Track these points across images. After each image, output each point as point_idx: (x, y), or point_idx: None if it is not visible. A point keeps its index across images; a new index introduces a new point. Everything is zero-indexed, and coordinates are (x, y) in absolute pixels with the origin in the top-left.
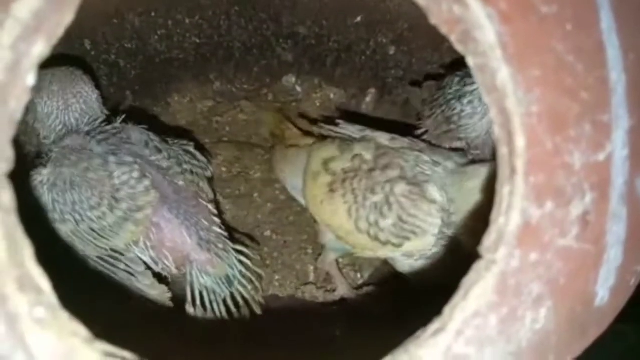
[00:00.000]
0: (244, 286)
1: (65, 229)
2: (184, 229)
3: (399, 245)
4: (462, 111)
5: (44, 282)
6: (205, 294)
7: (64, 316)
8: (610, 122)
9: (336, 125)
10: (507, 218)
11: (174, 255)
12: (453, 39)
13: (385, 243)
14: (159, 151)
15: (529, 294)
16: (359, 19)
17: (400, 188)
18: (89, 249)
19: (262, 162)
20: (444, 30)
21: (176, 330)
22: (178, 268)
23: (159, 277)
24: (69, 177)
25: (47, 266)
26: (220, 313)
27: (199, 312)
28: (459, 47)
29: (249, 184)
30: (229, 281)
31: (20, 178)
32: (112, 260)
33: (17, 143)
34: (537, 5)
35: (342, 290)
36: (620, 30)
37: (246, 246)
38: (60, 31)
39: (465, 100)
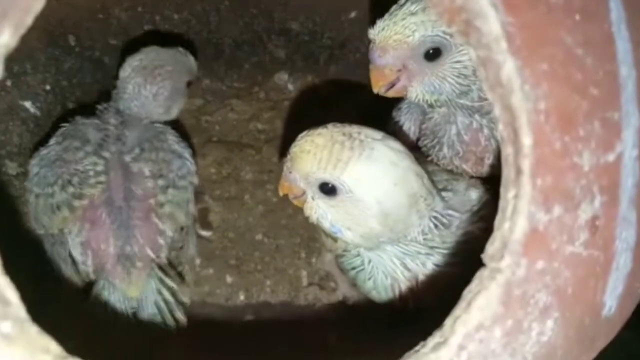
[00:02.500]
0: (155, 322)
1: (29, 200)
2: (111, 237)
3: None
4: None
5: (11, 293)
6: (108, 307)
7: (33, 330)
8: (620, 120)
9: None
10: (513, 224)
11: (95, 258)
12: (454, 29)
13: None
14: (141, 160)
15: (536, 305)
16: (353, 14)
17: None
18: (38, 225)
19: (253, 162)
20: (444, 20)
21: (161, 339)
22: (95, 272)
23: None
24: (53, 154)
25: (16, 275)
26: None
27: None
28: (461, 39)
29: (239, 185)
30: (140, 307)
31: None
32: (53, 241)
33: None
34: None
35: (343, 288)
36: (630, 22)
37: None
38: (28, 19)
39: None
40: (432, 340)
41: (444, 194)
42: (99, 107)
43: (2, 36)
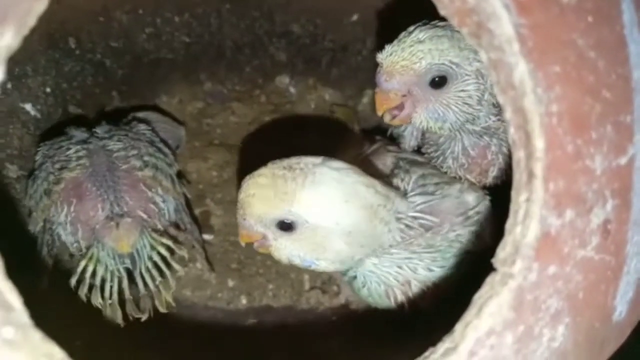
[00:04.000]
0: (151, 276)
1: (28, 204)
2: (99, 202)
3: None
4: None
5: (14, 299)
6: (98, 267)
7: (37, 336)
8: (633, 123)
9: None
10: (524, 228)
11: (85, 230)
12: (465, 31)
13: None
14: (113, 137)
15: (547, 310)
16: (355, 17)
17: None
18: (32, 224)
19: (255, 166)
20: (454, 22)
21: (161, 342)
22: (86, 244)
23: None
24: (40, 158)
25: (20, 280)
26: (110, 295)
27: (83, 289)
28: (472, 41)
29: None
30: (132, 263)
31: None
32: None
33: None
34: None
35: (346, 292)
36: None
37: (176, 241)
38: (31, 20)
39: None
40: (442, 346)
41: (427, 197)
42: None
43: (4, 38)
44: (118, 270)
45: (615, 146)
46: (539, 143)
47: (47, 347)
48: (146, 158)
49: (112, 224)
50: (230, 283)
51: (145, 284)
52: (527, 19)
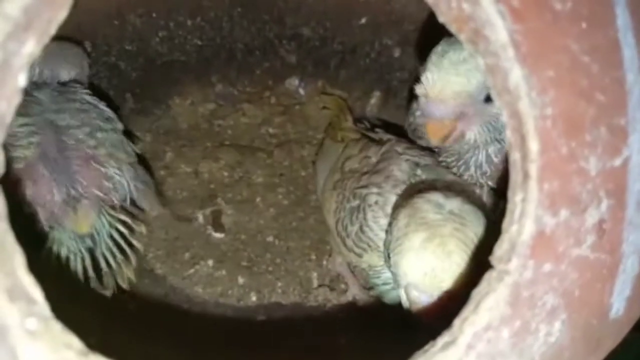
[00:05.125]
0: (112, 253)
1: None
2: (54, 186)
3: (359, 255)
4: None
5: (35, 292)
6: (61, 248)
7: (57, 327)
8: (627, 126)
9: (373, 130)
10: (520, 227)
11: (43, 212)
12: (463, 37)
13: (349, 250)
14: (63, 111)
15: (543, 306)
16: (363, 20)
17: (372, 197)
18: None
19: (265, 166)
20: (453, 28)
21: (173, 338)
22: (46, 225)
23: None
24: None
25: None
26: (76, 273)
27: (53, 264)
28: (469, 47)
29: (251, 188)
30: (93, 242)
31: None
32: None
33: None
34: (551, 2)
35: (354, 290)
36: (636, 29)
37: (134, 217)
38: (52, 29)
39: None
40: (441, 340)
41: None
42: None
43: (27, 46)
44: (80, 251)
45: (609, 148)
46: (533, 145)
47: (66, 337)
48: (99, 135)
49: (70, 208)
50: (241, 280)
51: (107, 262)
52: (521, 26)
